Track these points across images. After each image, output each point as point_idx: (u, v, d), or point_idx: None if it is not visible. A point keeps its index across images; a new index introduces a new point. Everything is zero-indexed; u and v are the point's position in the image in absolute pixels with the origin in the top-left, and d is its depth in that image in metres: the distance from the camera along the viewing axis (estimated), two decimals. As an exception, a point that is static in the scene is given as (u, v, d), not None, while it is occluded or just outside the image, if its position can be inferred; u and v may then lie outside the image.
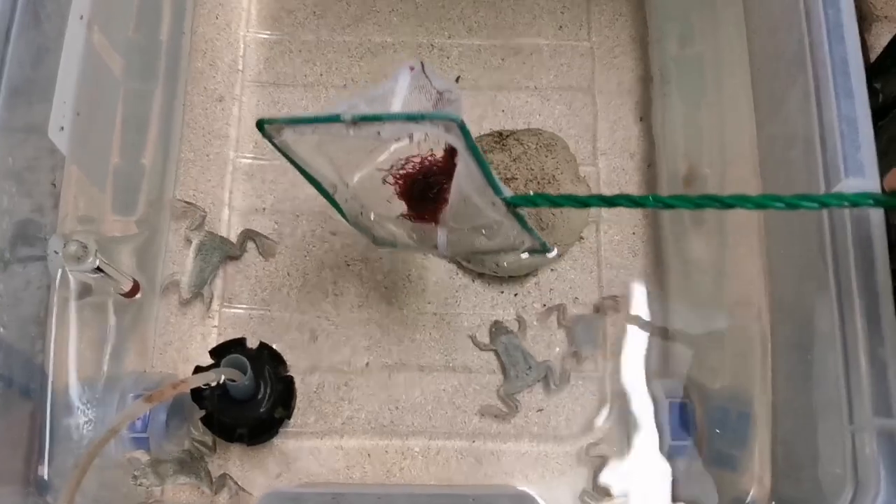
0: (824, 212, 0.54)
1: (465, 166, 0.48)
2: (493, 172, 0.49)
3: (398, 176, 0.55)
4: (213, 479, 0.68)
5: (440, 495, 0.41)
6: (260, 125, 0.50)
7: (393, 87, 0.51)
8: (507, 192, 0.50)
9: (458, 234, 0.56)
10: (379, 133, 0.48)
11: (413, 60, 0.52)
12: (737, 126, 0.68)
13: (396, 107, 0.50)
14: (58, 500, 0.40)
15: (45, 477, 0.55)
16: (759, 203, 0.43)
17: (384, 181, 0.56)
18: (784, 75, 0.59)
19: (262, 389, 0.64)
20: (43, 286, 0.59)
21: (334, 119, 0.47)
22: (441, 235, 0.56)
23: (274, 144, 0.51)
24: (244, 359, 0.60)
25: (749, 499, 0.61)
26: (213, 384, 0.59)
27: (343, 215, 0.59)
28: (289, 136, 0.50)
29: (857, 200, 0.43)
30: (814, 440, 0.55)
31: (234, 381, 0.59)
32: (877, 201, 0.43)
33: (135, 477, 0.64)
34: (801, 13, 0.57)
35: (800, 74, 0.56)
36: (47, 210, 0.60)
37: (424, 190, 0.55)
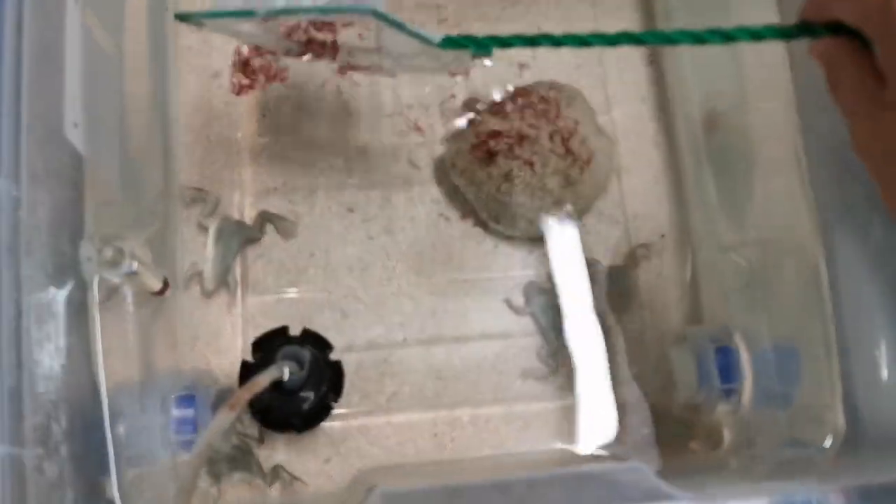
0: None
1: (393, 34, 0.51)
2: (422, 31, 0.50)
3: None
4: (266, 472, 0.66)
5: (561, 476, 0.40)
6: (178, 18, 0.54)
7: None
8: (437, 38, 0.50)
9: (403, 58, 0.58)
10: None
11: None
12: (761, 59, 0.67)
13: None
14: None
15: (115, 497, 0.52)
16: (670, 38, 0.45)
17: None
18: None
19: (313, 377, 0.62)
20: (78, 293, 0.55)
21: (249, 14, 0.51)
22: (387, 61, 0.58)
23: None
24: (301, 350, 0.57)
25: (807, 437, 0.62)
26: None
27: None
28: (209, 25, 0.55)
29: (762, 33, 0.43)
30: (874, 371, 0.56)
31: (293, 374, 0.57)
32: (783, 33, 0.43)
33: None
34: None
35: None
36: (71, 211, 0.56)
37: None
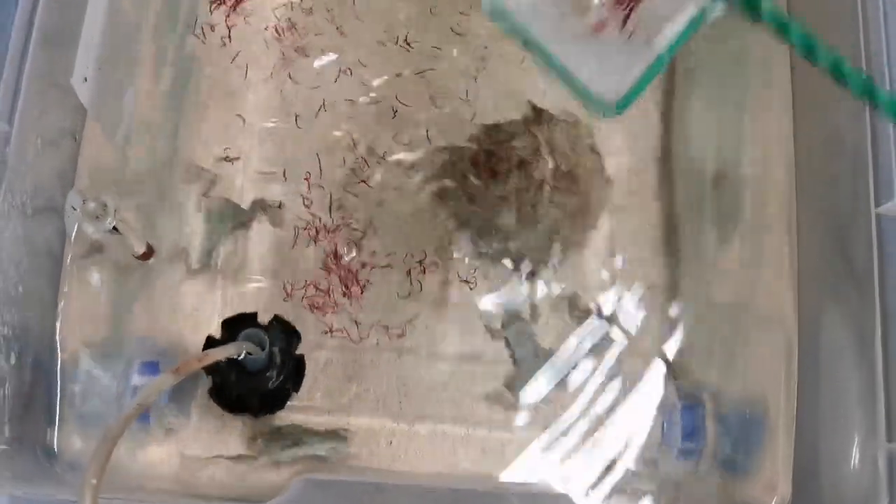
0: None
1: None
2: None
3: None
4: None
5: (485, 494, 0.40)
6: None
7: None
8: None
9: None
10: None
11: None
12: (766, 127, 0.67)
13: None
14: (87, 473, 0.38)
15: (55, 446, 0.53)
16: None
17: None
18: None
19: (273, 365, 0.62)
20: (57, 242, 0.56)
21: None
22: None
23: None
24: (263, 334, 0.58)
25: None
26: (236, 357, 0.57)
27: None
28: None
29: None
30: (843, 452, 0.55)
31: (251, 354, 0.57)
32: None
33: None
34: (857, 12, 0.55)
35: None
36: (67, 163, 0.57)
37: None
